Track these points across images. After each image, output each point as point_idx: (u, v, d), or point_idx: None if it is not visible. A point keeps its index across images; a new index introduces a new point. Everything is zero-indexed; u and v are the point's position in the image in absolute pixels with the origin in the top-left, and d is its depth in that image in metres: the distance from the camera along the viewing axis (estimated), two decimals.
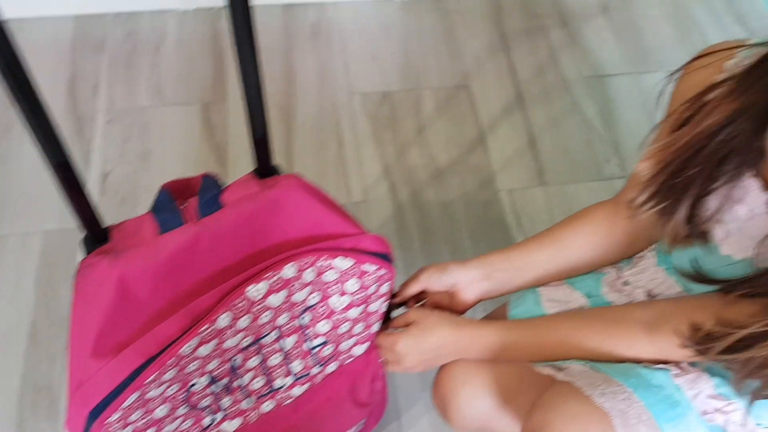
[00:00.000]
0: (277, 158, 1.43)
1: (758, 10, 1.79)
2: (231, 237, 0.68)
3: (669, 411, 0.68)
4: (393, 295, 0.85)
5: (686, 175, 0.67)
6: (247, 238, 0.70)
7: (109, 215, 0.74)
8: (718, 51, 0.72)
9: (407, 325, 0.83)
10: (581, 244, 0.85)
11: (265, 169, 0.74)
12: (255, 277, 0.68)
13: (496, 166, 1.45)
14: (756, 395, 0.68)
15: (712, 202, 0.68)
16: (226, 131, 1.48)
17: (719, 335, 0.66)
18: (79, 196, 0.65)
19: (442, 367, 0.86)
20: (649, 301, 0.81)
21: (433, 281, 0.85)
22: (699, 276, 0.74)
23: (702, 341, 0.68)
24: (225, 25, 1.66)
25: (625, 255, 0.86)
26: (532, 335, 0.80)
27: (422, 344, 0.82)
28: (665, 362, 0.73)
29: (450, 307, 0.87)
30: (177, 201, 0.71)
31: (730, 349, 0.65)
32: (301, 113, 1.51)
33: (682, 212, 0.69)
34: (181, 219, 0.68)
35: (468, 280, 0.85)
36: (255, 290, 0.68)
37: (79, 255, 0.96)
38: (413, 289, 0.85)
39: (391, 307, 0.85)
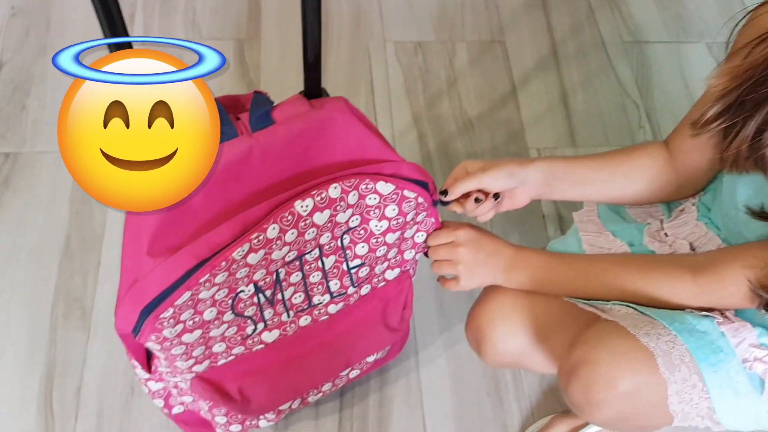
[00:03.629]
0: None
1: None
2: (281, 152, 0.70)
3: (711, 356, 0.70)
4: (442, 192, 0.80)
5: (760, 92, 0.66)
6: (296, 155, 0.71)
7: None
8: None
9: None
10: (636, 173, 0.85)
11: (314, 90, 0.75)
12: (303, 194, 0.70)
13: (526, 123, 1.46)
14: None
15: None
16: (258, 69, 1.48)
17: None
18: None
19: (477, 302, 0.87)
20: (699, 252, 0.81)
21: (500, 182, 0.79)
22: (760, 212, 0.71)
23: None
24: None
25: (672, 197, 0.86)
26: (580, 269, 0.81)
27: (482, 241, 0.82)
28: (709, 310, 0.74)
29: (497, 206, 0.82)
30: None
31: None
32: (333, 57, 1.51)
33: (748, 130, 0.68)
34: (236, 131, 0.69)
35: (530, 182, 0.82)
36: (302, 206, 0.70)
37: None
38: (469, 186, 0.79)
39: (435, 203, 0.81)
